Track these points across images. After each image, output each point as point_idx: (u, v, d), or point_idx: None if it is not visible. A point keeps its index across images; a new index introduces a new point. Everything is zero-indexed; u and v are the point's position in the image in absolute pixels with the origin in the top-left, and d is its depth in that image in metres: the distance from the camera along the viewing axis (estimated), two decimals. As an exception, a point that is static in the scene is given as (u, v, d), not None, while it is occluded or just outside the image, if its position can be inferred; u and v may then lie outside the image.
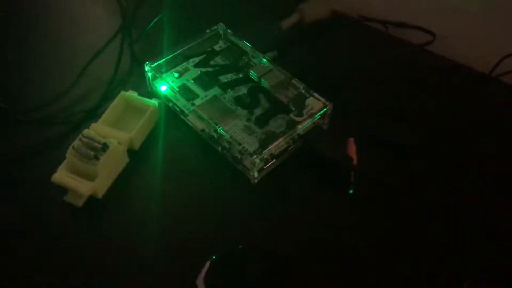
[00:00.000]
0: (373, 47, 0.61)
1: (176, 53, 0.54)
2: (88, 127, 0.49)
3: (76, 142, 0.47)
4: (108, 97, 0.55)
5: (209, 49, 0.56)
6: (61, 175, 0.46)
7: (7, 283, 0.43)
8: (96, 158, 0.46)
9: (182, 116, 0.52)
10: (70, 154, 0.46)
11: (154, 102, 0.52)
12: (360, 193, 0.48)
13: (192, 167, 0.50)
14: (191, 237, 0.45)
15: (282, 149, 0.48)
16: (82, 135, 0.47)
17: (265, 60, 0.54)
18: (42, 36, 0.63)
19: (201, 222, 0.46)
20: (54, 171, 0.46)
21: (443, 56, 0.60)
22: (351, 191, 0.47)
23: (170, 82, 0.53)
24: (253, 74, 0.53)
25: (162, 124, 0.53)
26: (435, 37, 0.61)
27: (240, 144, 0.47)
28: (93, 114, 0.54)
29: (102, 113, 0.52)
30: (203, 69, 0.54)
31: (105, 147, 0.46)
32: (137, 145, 0.50)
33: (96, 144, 0.46)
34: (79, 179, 0.46)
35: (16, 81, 0.57)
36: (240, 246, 0.44)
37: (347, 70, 0.58)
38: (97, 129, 0.48)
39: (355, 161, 0.48)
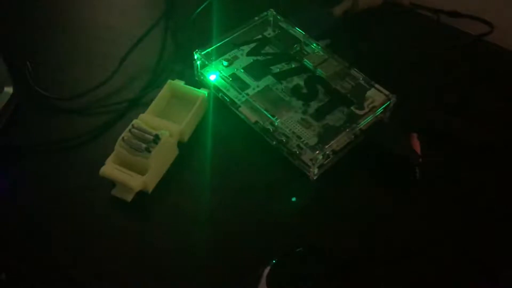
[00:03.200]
0: (425, 37, 0.58)
1: (226, 40, 0.51)
2: (132, 117, 0.46)
3: (125, 134, 0.44)
4: (151, 86, 0.52)
5: (260, 37, 0.53)
6: (110, 168, 0.43)
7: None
8: (148, 150, 0.43)
9: (232, 107, 0.49)
10: (119, 146, 0.44)
11: (203, 92, 0.49)
12: (425, 191, 0.45)
13: (243, 161, 0.48)
14: (244, 235, 0.43)
15: (343, 144, 0.45)
16: (132, 126, 0.44)
17: (320, 48, 0.51)
18: (82, 24, 0.60)
19: (253, 219, 0.44)
20: (98, 161, 0.44)
21: (502, 48, 0.57)
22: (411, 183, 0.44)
23: (220, 71, 0.50)
24: (308, 63, 0.50)
25: (210, 115, 0.50)
26: (493, 28, 0.58)
27: (299, 138, 0.44)
28: (137, 103, 0.51)
29: (146, 102, 0.50)
30: (254, 58, 0.51)
31: (156, 139, 0.43)
32: (186, 137, 0.47)
33: (148, 136, 0.44)
34: (129, 172, 0.43)
35: (57, 69, 0.55)
36: (299, 248, 0.41)
37: (400, 60, 0.55)
38: (147, 120, 0.45)
39: (420, 157, 0.45)
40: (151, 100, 0.48)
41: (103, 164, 0.44)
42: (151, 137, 0.43)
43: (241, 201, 0.45)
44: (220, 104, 0.50)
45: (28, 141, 0.48)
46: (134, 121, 0.44)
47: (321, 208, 0.44)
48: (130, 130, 0.44)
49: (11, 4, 0.60)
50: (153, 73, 0.53)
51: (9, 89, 0.49)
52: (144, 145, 0.43)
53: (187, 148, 0.48)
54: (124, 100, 0.51)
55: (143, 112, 0.47)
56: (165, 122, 0.46)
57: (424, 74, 0.54)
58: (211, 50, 0.51)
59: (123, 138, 0.43)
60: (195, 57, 0.50)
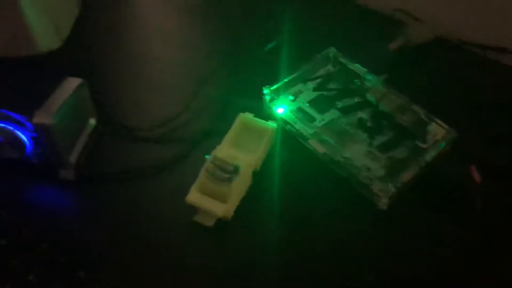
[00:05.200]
0: (473, 72, 0.61)
1: (292, 76, 0.55)
2: (206, 146, 0.50)
3: (208, 164, 0.47)
4: (222, 118, 0.56)
5: (323, 73, 0.57)
6: (195, 196, 0.47)
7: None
8: (230, 180, 0.46)
9: (301, 139, 0.52)
10: (203, 176, 0.47)
11: (273, 124, 0.52)
12: (485, 220, 0.48)
13: (311, 189, 0.51)
14: (314, 264, 0.45)
15: (410, 176, 0.48)
16: (215, 157, 0.48)
17: (380, 82, 0.54)
18: (155, 59, 0.64)
19: (323, 247, 0.47)
20: (177, 188, 0.48)
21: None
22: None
23: (287, 105, 0.53)
24: (370, 97, 0.53)
25: (278, 146, 0.53)
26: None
27: (369, 169, 0.48)
28: (209, 134, 0.55)
29: (218, 132, 0.53)
30: (318, 92, 0.55)
31: (236, 169, 0.47)
32: (258, 167, 0.51)
33: (228, 167, 0.47)
34: (212, 200, 0.46)
35: (134, 101, 0.58)
36: (370, 277, 0.44)
37: (452, 94, 0.58)
38: (224, 151, 0.49)
39: (480, 188, 0.48)
40: (221, 131, 0.52)
41: (181, 190, 0.47)
42: (232, 168, 0.47)
43: (310, 227, 0.48)
44: (287, 135, 0.54)
45: (110, 169, 0.52)
46: (216, 153, 0.48)
47: (388, 236, 0.47)
48: (212, 161, 0.47)
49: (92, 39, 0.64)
50: (223, 105, 0.56)
51: (92, 121, 0.53)
52: (226, 175, 0.46)
53: (259, 176, 0.51)
54: (198, 130, 0.55)
55: (216, 142, 0.50)
56: (240, 153, 0.49)
57: (477, 108, 0.57)
58: (279, 86, 0.54)
59: (207, 169, 0.47)
60: (265, 92, 0.54)
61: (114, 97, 0.57)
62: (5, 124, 0.45)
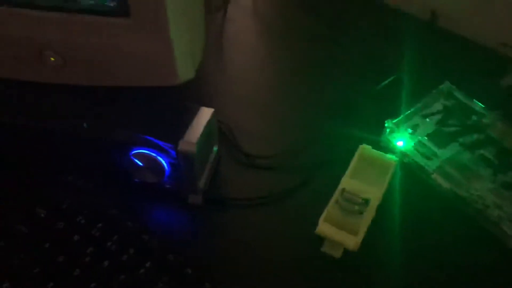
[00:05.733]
0: None
1: (411, 110, 0.56)
2: (321, 176, 0.53)
3: (338, 197, 0.49)
4: (337, 149, 0.57)
5: (440, 108, 0.57)
6: (325, 228, 0.48)
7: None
8: (360, 212, 0.47)
9: (421, 173, 0.53)
10: (332, 208, 0.48)
11: (394, 158, 0.53)
12: None
13: (435, 226, 0.51)
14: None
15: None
16: (344, 190, 0.49)
17: (499, 118, 0.54)
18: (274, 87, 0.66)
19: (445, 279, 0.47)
20: (296, 216, 0.50)
21: None
22: None
23: (406, 138, 0.54)
24: (491, 134, 0.54)
25: (397, 180, 0.54)
26: None
27: (500, 208, 0.47)
28: (326, 165, 0.56)
29: (335, 163, 0.54)
30: (436, 127, 0.55)
31: (366, 202, 0.48)
32: (381, 200, 0.52)
33: (358, 199, 0.48)
34: (342, 232, 0.47)
35: (253, 129, 0.60)
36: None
37: None
38: (350, 184, 0.50)
39: None
40: (339, 162, 0.53)
41: (300, 219, 0.49)
42: (361, 200, 0.48)
43: (434, 270, 0.48)
44: (406, 169, 0.54)
45: (230, 194, 0.54)
46: (345, 186, 0.49)
47: None
48: (342, 195, 0.48)
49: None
50: (336, 138, 0.58)
51: (215, 148, 0.55)
52: (356, 207, 0.47)
53: (381, 209, 0.52)
54: (316, 161, 0.56)
55: (333, 173, 0.52)
56: (366, 186, 0.50)
57: None
58: (401, 118, 0.55)
59: (337, 201, 0.48)
60: (386, 124, 0.55)
61: (234, 125, 0.59)
62: (148, 150, 0.47)
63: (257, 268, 0.48)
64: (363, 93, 0.61)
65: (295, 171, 0.56)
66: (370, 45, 0.69)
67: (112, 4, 0.45)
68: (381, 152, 0.54)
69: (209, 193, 0.53)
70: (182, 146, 0.46)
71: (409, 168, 0.54)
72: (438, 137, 0.55)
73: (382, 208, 0.52)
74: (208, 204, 0.52)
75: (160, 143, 0.46)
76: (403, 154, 0.54)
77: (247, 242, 0.50)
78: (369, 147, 0.54)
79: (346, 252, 0.48)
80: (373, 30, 0.71)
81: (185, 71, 0.50)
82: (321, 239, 0.49)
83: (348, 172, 0.52)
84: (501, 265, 0.48)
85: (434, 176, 0.52)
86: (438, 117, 0.56)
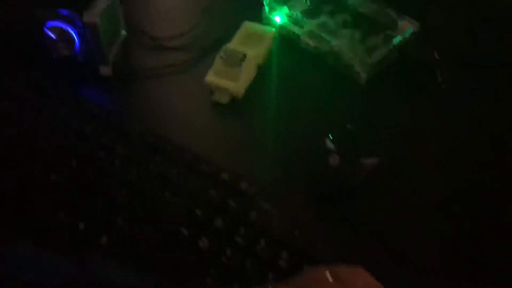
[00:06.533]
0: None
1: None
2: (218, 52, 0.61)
3: (222, 53, 0.59)
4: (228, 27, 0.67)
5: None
6: (212, 78, 0.58)
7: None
8: (239, 64, 0.58)
9: (294, 37, 0.64)
10: (218, 62, 0.59)
11: (272, 29, 0.64)
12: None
13: (304, 77, 0.63)
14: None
15: (383, 54, 0.60)
16: (227, 48, 0.59)
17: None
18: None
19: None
20: (196, 82, 0.60)
21: None
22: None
23: (284, 14, 0.65)
24: (351, 2, 0.65)
25: (275, 50, 0.65)
26: None
27: (355, 53, 0.60)
28: (220, 43, 0.66)
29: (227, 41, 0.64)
30: (310, 5, 0.67)
31: (244, 56, 0.59)
32: (261, 62, 0.63)
33: (238, 54, 0.59)
34: (225, 80, 0.58)
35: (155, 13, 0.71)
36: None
37: None
38: (234, 46, 0.61)
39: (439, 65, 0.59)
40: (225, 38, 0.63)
41: (200, 84, 0.59)
42: (241, 55, 0.59)
43: (305, 103, 0.60)
44: (283, 40, 0.65)
45: (138, 70, 0.63)
46: (227, 45, 0.60)
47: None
48: (224, 51, 0.59)
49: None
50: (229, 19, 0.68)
51: (123, 33, 0.65)
52: (238, 59, 0.58)
53: (262, 71, 0.63)
54: (210, 40, 0.66)
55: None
56: (247, 48, 0.61)
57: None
58: (278, -2, 0.66)
59: (221, 56, 0.59)
60: (264, 3, 0.66)
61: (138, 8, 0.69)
62: (59, 23, 0.56)
63: (164, 124, 0.58)
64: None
65: (195, 48, 0.66)
66: None
67: None
68: (261, 25, 0.65)
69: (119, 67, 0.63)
70: (86, 16, 0.56)
71: (285, 38, 0.65)
72: (310, 12, 0.66)
73: (263, 70, 0.63)
74: (117, 75, 0.62)
75: (66, 12, 0.56)
76: (281, 27, 0.65)
77: (156, 106, 0.61)
78: (252, 22, 0.65)
79: (233, 99, 0.59)
80: None
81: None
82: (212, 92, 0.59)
83: (233, 40, 0.63)
84: (352, 98, 0.60)
85: (302, 37, 0.63)
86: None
